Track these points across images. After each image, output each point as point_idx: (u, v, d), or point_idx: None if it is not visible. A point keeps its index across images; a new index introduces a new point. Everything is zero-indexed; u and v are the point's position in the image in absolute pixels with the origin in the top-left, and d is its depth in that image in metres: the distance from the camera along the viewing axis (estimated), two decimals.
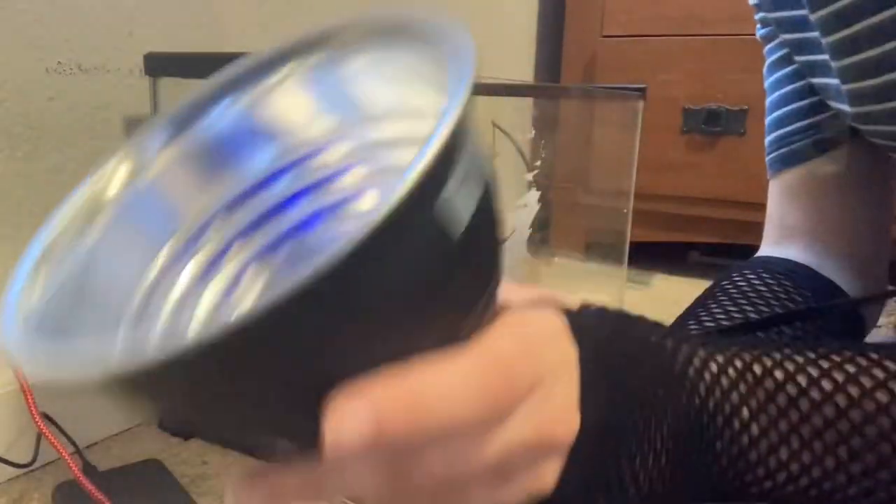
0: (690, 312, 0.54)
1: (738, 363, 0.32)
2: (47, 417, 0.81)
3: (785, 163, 0.63)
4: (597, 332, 0.29)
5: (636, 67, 1.74)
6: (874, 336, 1.13)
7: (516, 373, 0.25)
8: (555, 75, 1.95)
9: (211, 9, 0.98)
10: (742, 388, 0.31)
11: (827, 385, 0.31)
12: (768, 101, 0.65)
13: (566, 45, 1.89)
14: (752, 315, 0.51)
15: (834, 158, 0.60)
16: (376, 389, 0.21)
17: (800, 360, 0.32)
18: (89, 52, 0.84)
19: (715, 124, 1.67)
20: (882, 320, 1.16)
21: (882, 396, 0.31)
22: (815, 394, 0.31)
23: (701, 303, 0.56)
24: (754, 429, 0.31)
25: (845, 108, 0.53)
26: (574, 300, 0.31)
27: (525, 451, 0.25)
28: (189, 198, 0.30)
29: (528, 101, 1.66)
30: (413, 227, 0.21)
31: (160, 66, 0.85)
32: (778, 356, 0.32)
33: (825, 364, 0.32)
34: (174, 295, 0.29)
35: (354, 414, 0.20)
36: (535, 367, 0.26)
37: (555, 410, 0.26)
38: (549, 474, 0.27)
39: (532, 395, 0.25)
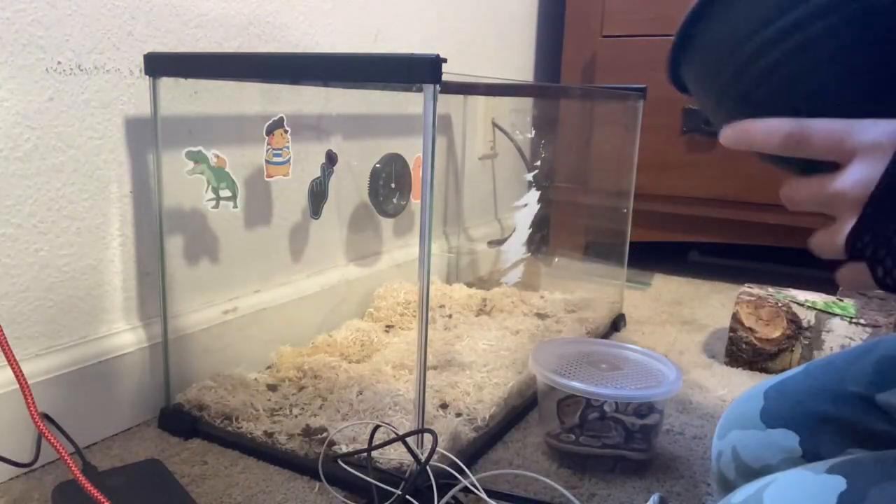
0: None
1: None
2: (47, 417, 0.82)
3: None
4: None
5: (636, 67, 1.74)
6: (873, 336, 1.13)
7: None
8: (555, 75, 1.95)
9: (211, 9, 0.98)
10: None
11: None
12: None
13: (566, 45, 1.88)
14: None
15: None
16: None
17: None
18: (89, 52, 0.84)
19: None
20: (882, 320, 1.16)
21: None
22: None
23: None
24: None
25: None
26: None
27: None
28: None
29: (528, 101, 1.66)
30: None
31: (160, 66, 0.85)
32: None
33: None
34: None
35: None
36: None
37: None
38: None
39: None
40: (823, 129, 0.39)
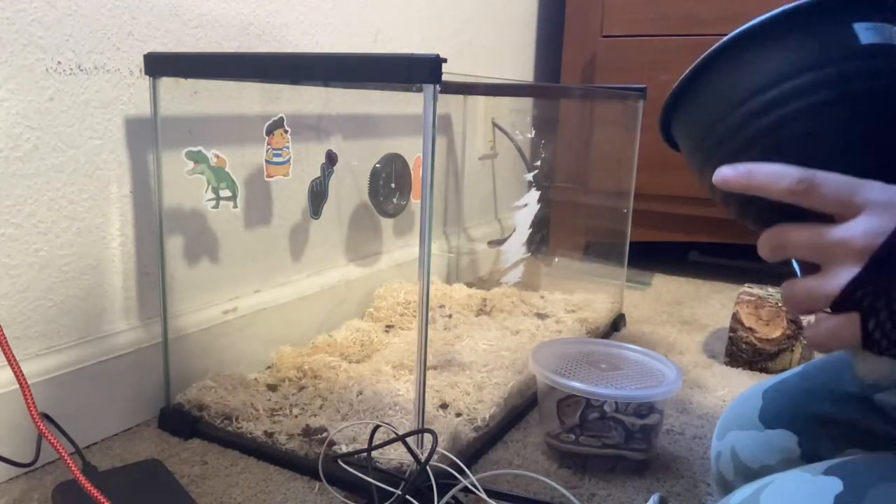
0: None
1: None
2: (47, 417, 0.82)
3: None
4: None
5: (636, 67, 1.74)
6: None
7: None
8: (555, 75, 1.95)
9: (211, 9, 0.98)
10: None
11: None
12: None
13: (566, 45, 1.88)
14: None
15: None
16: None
17: None
18: (89, 52, 0.84)
19: None
20: None
21: None
22: None
23: None
24: None
25: None
26: None
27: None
28: None
29: (528, 101, 1.66)
30: None
31: (160, 66, 0.85)
32: None
33: None
34: None
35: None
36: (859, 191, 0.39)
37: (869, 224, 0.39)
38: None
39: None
40: (834, 181, 0.39)
